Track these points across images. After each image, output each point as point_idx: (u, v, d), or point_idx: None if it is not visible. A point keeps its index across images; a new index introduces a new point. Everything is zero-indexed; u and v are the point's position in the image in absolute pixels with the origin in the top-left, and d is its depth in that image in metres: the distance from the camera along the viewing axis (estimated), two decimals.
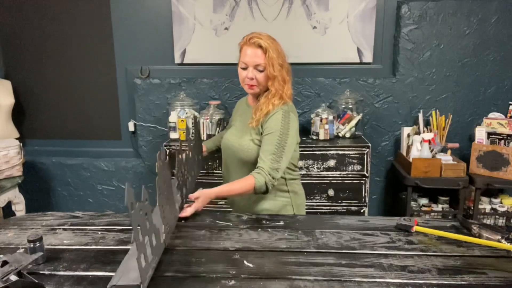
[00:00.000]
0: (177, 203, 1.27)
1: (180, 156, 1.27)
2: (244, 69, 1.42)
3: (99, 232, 1.20)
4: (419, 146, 2.40)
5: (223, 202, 2.42)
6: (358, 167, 2.33)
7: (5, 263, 0.89)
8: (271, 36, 1.44)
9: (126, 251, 1.06)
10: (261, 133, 1.41)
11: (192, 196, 1.32)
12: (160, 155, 1.05)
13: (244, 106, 1.59)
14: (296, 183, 1.57)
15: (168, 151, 2.35)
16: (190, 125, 2.31)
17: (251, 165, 1.41)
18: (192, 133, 1.63)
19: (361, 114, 2.53)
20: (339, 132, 2.49)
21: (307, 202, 2.41)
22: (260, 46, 1.38)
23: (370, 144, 2.35)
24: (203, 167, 1.71)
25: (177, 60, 2.72)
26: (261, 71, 1.40)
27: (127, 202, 0.82)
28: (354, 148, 2.31)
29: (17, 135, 2.81)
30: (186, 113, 2.50)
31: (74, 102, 2.90)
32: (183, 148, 1.32)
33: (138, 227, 0.86)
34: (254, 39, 1.39)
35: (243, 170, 1.44)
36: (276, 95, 1.41)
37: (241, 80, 1.45)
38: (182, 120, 2.47)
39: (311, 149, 2.33)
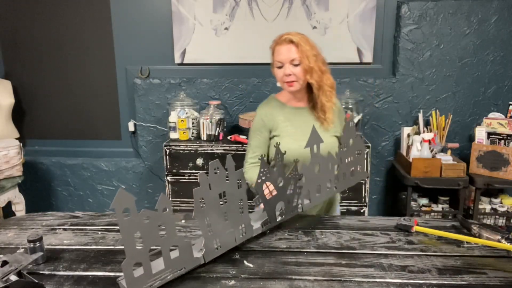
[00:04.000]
0: (258, 221, 1.15)
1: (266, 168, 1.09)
2: (280, 67, 1.44)
3: (99, 232, 1.20)
4: (419, 146, 2.40)
5: None
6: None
7: (5, 263, 0.89)
8: (300, 32, 1.47)
9: None
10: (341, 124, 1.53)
11: None
12: (212, 165, 0.97)
13: (286, 109, 1.51)
14: None
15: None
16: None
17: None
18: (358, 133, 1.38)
19: (361, 114, 2.53)
20: None
21: None
22: (291, 42, 1.41)
23: (370, 144, 2.35)
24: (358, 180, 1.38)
25: (177, 60, 2.72)
26: (297, 65, 1.42)
27: (114, 206, 0.79)
28: None
29: (17, 135, 2.81)
30: (186, 113, 2.50)
31: (74, 102, 2.90)
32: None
33: (137, 234, 0.84)
34: (284, 37, 1.43)
35: None
36: (320, 88, 1.45)
37: (279, 80, 1.47)
38: (182, 120, 2.47)
39: None
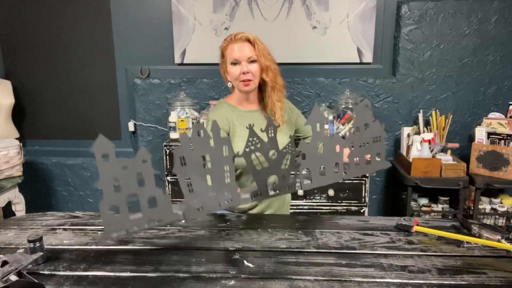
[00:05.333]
0: (248, 192, 1.09)
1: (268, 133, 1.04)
2: (235, 64, 1.40)
3: (99, 232, 1.20)
4: (419, 146, 2.40)
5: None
6: None
7: (5, 263, 0.89)
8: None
9: (126, 251, 1.06)
10: (295, 123, 1.54)
11: None
12: (195, 127, 0.99)
13: (239, 113, 1.46)
14: None
15: None
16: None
17: None
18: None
19: None
20: (339, 132, 2.49)
21: (307, 202, 2.42)
22: (248, 40, 1.40)
23: None
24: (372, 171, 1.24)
25: (177, 60, 2.72)
26: (253, 62, 1.39)
27: (94, 149, 0.90)
28: None
29: (17, 135, 2.81)
30: (186, 113, 2.50)
31: (74, 102, 2.91)
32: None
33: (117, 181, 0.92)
34: (239, 35, 1.40)
35: None
36: (273, 88, 1.43)
37: (234, 78, 1.42)
38: (182, 120, 2.47)
39: None
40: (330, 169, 1.16)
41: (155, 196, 0.95)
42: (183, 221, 1.27)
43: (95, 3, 2.72)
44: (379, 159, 1.22)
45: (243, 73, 1.38)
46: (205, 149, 0.99)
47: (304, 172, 1.14)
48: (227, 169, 1.02)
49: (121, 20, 2.72)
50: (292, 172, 1.12)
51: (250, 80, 1.39)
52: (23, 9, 2.77)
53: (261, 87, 1.47)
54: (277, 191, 1.11)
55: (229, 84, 1.47)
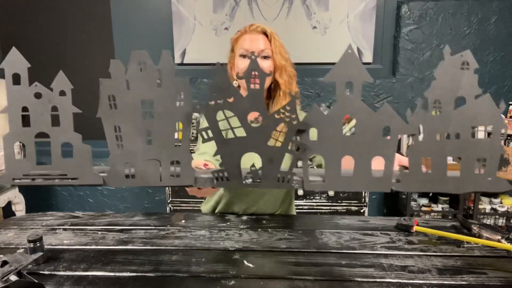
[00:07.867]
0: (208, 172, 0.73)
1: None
2: (244, 57, 1.21)
3: (99, 232, 1.20)
4: None
5: None
6: None
7: (5, 263, 0.89)
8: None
9: (126, 251, 1.06)
10: None
11: None
12: (136, 56, 0.69)
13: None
14: None
15: None
16: None
17: None
18: None
19: None
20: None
21: (307, 202, 2.42)
22: (264, 32, 1.23)
23: None
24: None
25: (177, 60, 2.72)
26: (266, 58, 1.21)
27: (4, 65, 0.67)
28: None
29: None
30: None
31: (74, 102, 2.90)
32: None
33: None
34: (255, 26, 1.23)
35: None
36: (285, 94, 1.21)
37: (239, 72, 1.19)
38: None
39: None
40: (364, 167, 0.67)
41: (71, 143, 0.73)
42: (183, 221, 1.28)
43: (95, 3, 2.72)
44: (481, 171, 0.68)
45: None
46: (148, 90, 0.68)
47: (311, 163, 0.72)
48: (179, 129, 0.69)
49: (121, 20, 2.72)
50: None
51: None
52: (23, 9, 2.77)
53: (271, 91, 1.27)
54: (258, 181, 0.69)
55: (235, 83, 1.24)
